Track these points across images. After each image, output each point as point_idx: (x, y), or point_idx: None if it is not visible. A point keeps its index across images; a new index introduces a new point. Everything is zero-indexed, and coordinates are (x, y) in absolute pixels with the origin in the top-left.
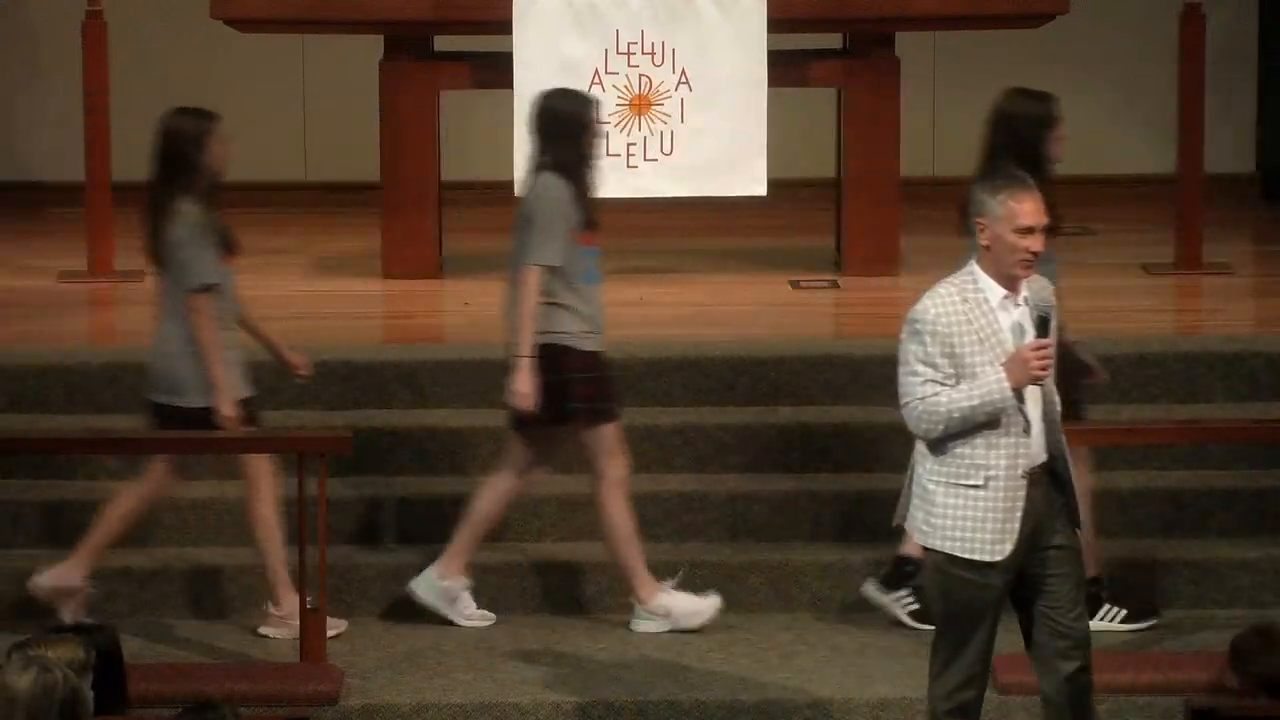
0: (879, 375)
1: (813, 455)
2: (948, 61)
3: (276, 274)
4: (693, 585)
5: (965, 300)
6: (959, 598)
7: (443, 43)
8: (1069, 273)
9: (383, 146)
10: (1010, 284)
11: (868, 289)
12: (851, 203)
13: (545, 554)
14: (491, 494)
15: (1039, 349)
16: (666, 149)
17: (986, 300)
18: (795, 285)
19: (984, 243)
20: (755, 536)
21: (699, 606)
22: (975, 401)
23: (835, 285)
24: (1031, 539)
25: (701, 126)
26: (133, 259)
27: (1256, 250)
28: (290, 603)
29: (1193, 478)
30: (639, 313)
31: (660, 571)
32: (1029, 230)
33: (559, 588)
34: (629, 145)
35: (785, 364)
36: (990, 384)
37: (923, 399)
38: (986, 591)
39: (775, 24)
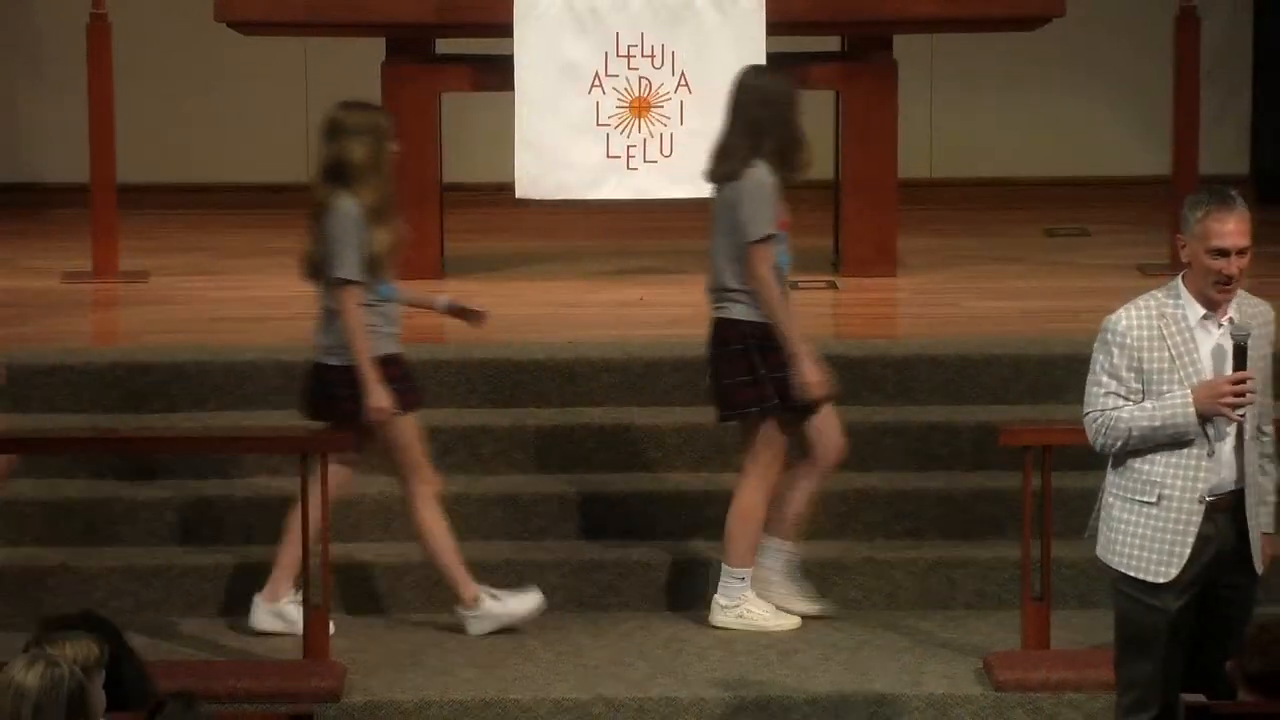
0: (876, 375)
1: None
2: (945, 64)
3: (279, 274)
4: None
5: (1163, 315)
6: (1132, 618)
7: (444, 45)
8: (1065, 273)
9: None
10: (1211, 305)
11: (865, 290)
12: (849, 204)
13: (544, 551)
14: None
15: (1238, 382)
16: (666, 151)
17: (1185, 318)
18: (794, 286)
19: (1185, 259)
20: None
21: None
22: (1156, 423)
23: (833, 286)
24: (1211, 569)
25: (701, 129)
26: (137, 260)
27: (1252, 252)
28: None
29: None
30: (639, 313)
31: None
32: (1222, 253)
33: (559, 585)
34: (629, 147)
35: None
36: (1175, 406)
37: (1103, 411)
38: (1155, 614)
39: (774, 26)
